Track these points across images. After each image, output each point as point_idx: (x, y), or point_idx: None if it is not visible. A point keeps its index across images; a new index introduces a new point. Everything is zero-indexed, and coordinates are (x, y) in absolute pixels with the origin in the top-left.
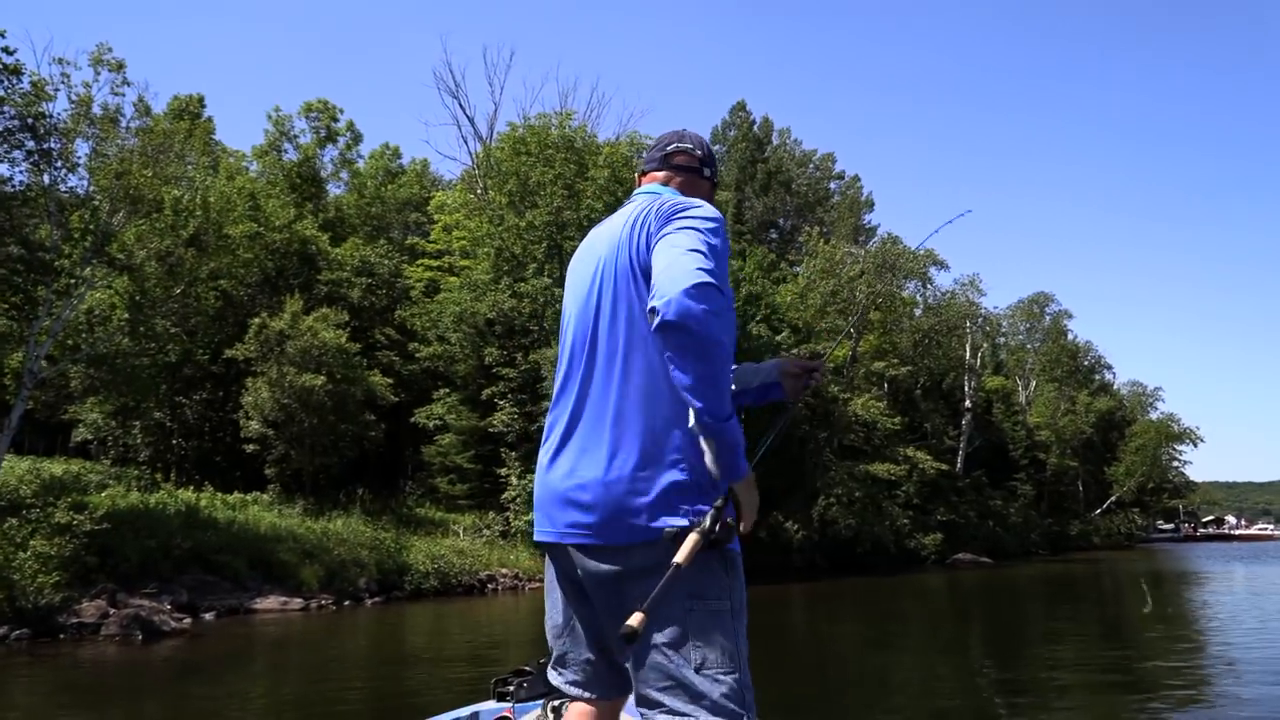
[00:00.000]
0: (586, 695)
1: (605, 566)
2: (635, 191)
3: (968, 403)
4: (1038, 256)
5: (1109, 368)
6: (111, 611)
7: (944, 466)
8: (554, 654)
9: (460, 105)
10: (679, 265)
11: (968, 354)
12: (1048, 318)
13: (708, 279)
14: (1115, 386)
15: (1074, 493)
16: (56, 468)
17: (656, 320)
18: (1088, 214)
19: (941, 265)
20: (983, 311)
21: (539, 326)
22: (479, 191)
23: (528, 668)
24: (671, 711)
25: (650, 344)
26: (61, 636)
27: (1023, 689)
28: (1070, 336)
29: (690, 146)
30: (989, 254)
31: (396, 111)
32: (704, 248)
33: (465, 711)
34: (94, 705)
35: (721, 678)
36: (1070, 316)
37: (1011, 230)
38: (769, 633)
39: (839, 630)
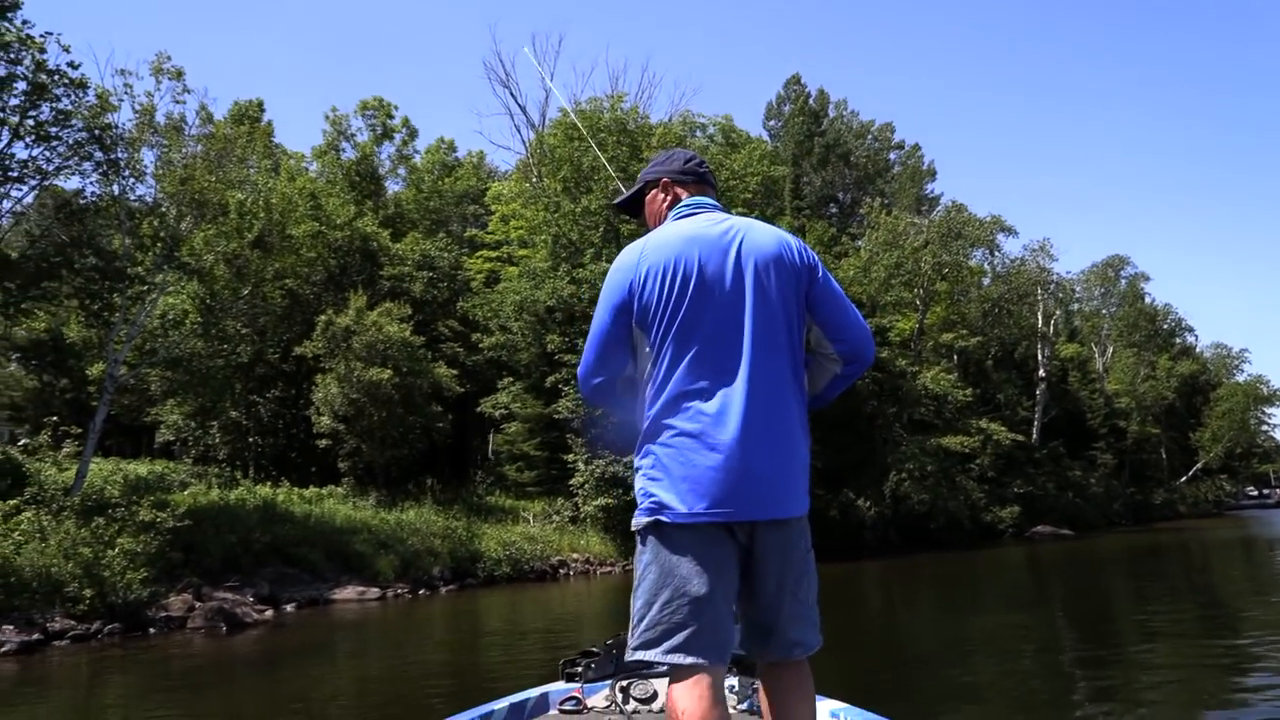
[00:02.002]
0: (710, 664)
1: (790, 536)
2: (694, 200)
3: (1042, 372)
4: (1112, 218)
5: (1190, 330)
6: (197, 605)
7: (1019, 438)
8: (690, 630)
9: (512, 94)
10: (861, 321)
11: (1040, 322)
12: (1124, 281)
13: None
14: (1198, 350)
15: (1157, 460)
16: (141, 468)
17: (853, 354)
18: (1164, 171)
19: (1010, 231)
20: (1054, 277)
21: None
22: (534, 180)
23: (595, 649)
24: (813, 645)
25: (790, 347)
26: (151, 630)
27: (1108, 663)
28: (1148, 300)
29: (703, 163)
30: (1060, 218)
31: (450, 105)
32: None
33: (535, 692)
34: (187, 695)
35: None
36: (1148, 279)
37: (1083, 192)
38: (844, 609)
39: (914, 606)
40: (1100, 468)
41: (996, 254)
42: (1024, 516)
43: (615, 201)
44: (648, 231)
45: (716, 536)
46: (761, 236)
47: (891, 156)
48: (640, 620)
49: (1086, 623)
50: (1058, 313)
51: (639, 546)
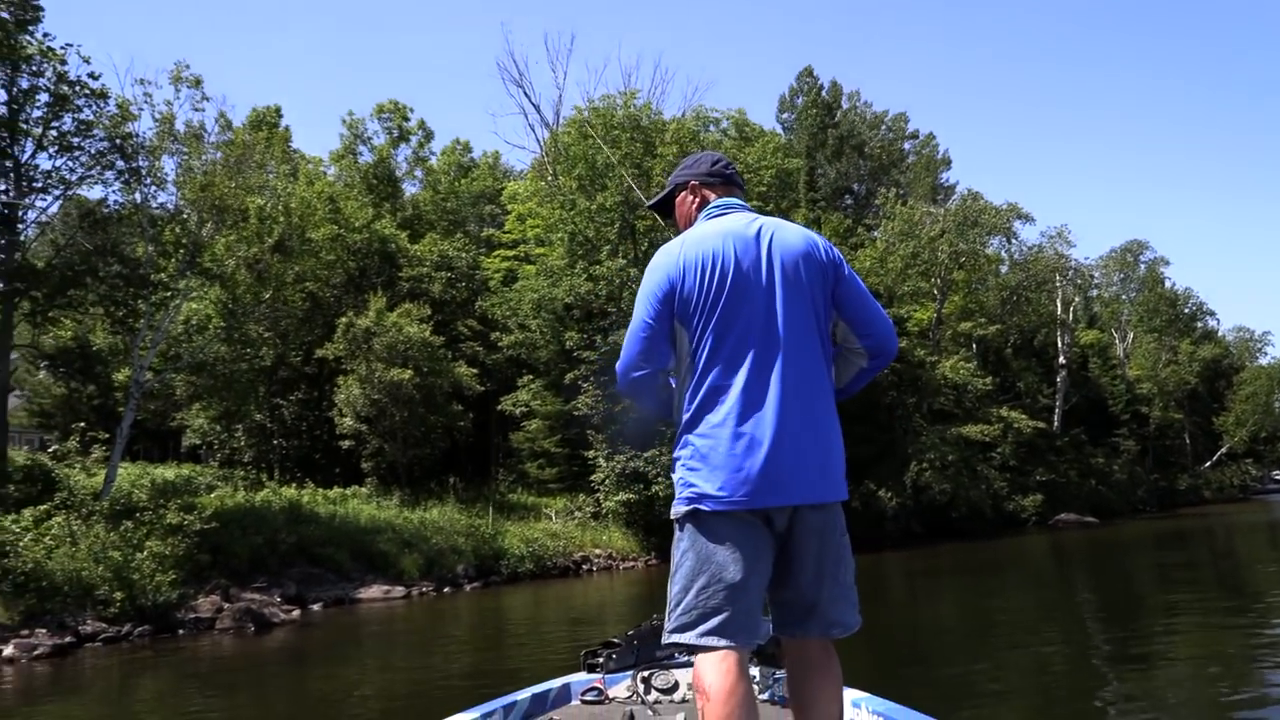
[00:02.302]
0: (738, 646)
1: (828, 520)
2: (724, 201)
3: (1062, 359)
4: (1130, 204)
5: (1212, 314)
6: (225, 606)
7: (1040, 425)
8: (725, 615)
9: (525, 94)
10: (885, 316)
11: (1059, 309)
12: (1142, 266)
13: None
14: (1220, 334)
15: (1181, 446)
16: (169, 472)
17: (879, 348)
18: (1179, 154)
19: (1026, 218)
20: (1073, 263)
21: (616, 308)
22: (549, 178)
23: (616, 640)
24: (852, 625)
25: (821, 341)
26: (180, 631)
27: (1133, 650)
28: (1168, 284)
29: (730, 164)
30: (1076, 203)
31: (465, 106)
32: None
33: (557, 683)
34: (219, 695)
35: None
36: (1167, 263)
37: (1099, 177)
38: (867, 600)
39: (937, 596)
40: (1123, 454)
41: (1014, 241)
42: (1047, 505)
43: (649, 204)
44: (678, 233)
45: (753, 523)
46: (790, 234)
47: (906, 146)
48: (677, 605)
49: (1111, 609)
50: (1077, 299)
51: (677, 534)
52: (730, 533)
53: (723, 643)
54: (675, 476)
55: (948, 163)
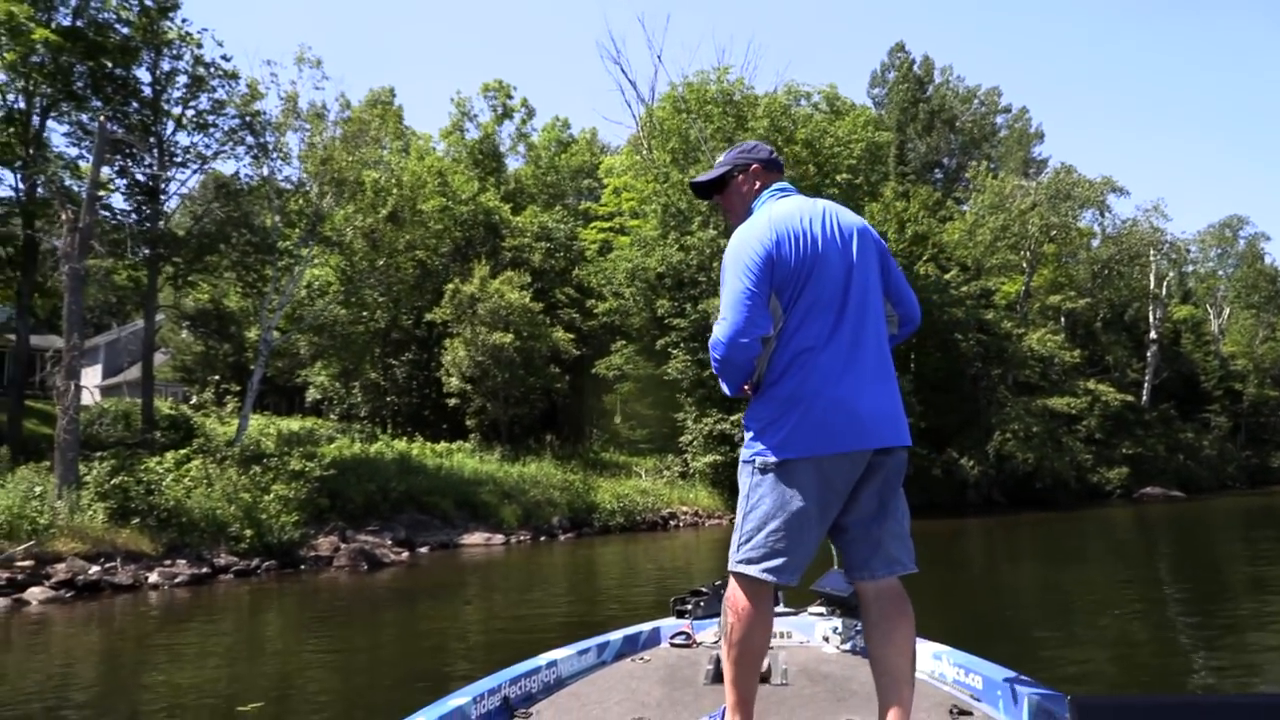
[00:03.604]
0: (794, 584)
1: (894, 464)
2: (782, 185)
3: (1153, 334)
4: (1228, 179)
5: None
6: (341, 546)
7: (1129, 399)
8: (791, 557)
9: (623, 71)
10: (913, 293)
11: (1152, 283)
12: (1241, 242)
13: None
14: None
15: (1275, 424)
16: (293, 424)
17: (908, 317)
18: None
19: (1121, 191)
20: (1168, 238)
21: (706, 277)
22: (644, 152)
23: (704, 589)
24: (909, 565)
25: (880, 307)
26: (302, 568)
27: (1213, 616)
28: (1268, 260)
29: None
30: (1173, 179)
31: (565, 84)
32: None
33: (648, 626)
34: (337, 624)
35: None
36: (1267, 239)
37: (1198, 153)
38: (948, 562)
39: (1018, 561)
40: (1214, 430)
41: (1107, 215)
42: (1132, 478)
43: (694, 180)
44: (723, 211)
45: (834, 470)
46: (849, 216)
47: (998, 120)
48: (748, 540)
49: (1197, 580)
50: (1171, 274)
51: (755, 477)
52: (810, 481)
53: (779, 579)
54: (756, 429)
55: (1040, 136)
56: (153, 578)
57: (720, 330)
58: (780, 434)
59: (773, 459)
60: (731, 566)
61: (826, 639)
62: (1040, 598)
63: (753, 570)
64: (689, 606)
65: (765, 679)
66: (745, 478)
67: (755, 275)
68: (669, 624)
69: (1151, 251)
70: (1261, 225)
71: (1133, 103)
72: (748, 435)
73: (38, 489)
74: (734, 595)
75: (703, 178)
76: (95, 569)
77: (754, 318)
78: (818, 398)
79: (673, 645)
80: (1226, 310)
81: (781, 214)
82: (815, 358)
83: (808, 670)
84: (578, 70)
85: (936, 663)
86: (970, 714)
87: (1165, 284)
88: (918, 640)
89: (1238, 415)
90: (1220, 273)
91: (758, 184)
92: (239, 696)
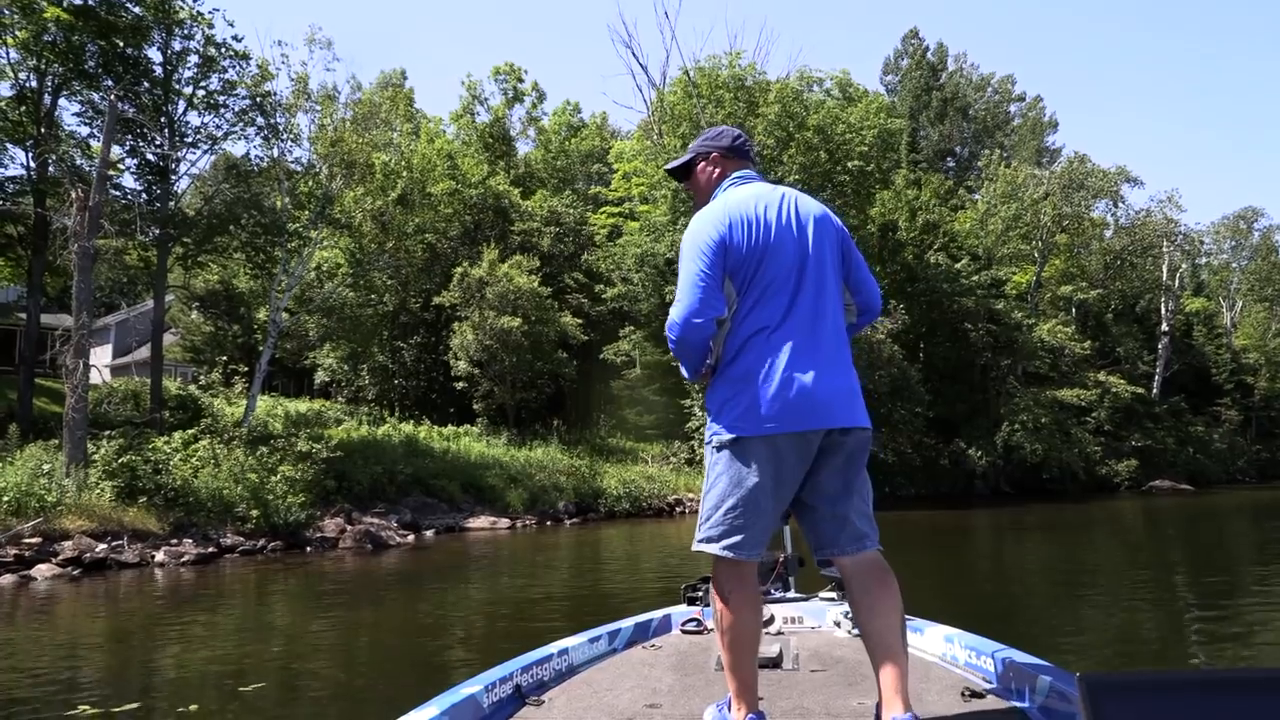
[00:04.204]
0: (755, 557)
1: (853, 444)
2: (744, 172)
3: (1165, 326)
4: (1243, 171)
5: None
6: (347, 528)
7: (1139, 391)
8: (745, 533)
9: (634, 55)
10: (875, 283)
11: (1165, 275)
12: (1256, 234)
13: None
14: None
15: None
16: (301, 406)
17: (866, 306)
18: None
19: (1135, 182)
20: (1182, 229)
21: None
22: (655, 137)
23: None
24: (875, 541)
25: (837, 292)
26: (308, 549)
27: (1218, 606)
28: None
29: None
30: (1188, 171)
31: (576, 68)
32: None
33: (659, 614)
34: (342, 604)
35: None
36: None
37: (1213, 145)
38: (957, 550)
39: (1025, 549)
40: (1224, 424)
41: (1120, 206)
42: (1141, 470)
43: (667, 166)
44: (691, 197)
45: (788, 448)
46: (808, 203)
47: (1012, 109)
48: (707, 519)
49: (1203, 568)
50: (1184, 266)
51: (713, 455)
52: (764, 459)
53: (737, 556)
54: (714, 409)
55: (1054, 125)
56: (159, 556)
57: (675, 312)
58: (735, 412)
59: (728, 437)
60: (694, 546)
61: (838, 624)
62: (1049, 584)
63: (713, 549)
64: (700, 593)
65: (777, 664)
66: (707, 458)
67: (709, 258)
68: (680, 611)
69: (1165, 243)
70: (1277, 218)
71: (1148, 92)
72: (708, 416)
73: (46, 467)
74: (715, 580)
75: (671, 164)
76: (102, 547)
77: (708, 299)
78: (770, 377)
79: (684, 632)
80: (1239, 303)
81: (736, 200)
82: (768, 338)
83: (819, 655)
84: (589, 54)
85: (949, 645)
86: (982, 696)
87: (1178, 276)
88: (929, 624)
89: (1249, 409)
90: (1234, 265)
91: (718, 171)
92: (242, 676)
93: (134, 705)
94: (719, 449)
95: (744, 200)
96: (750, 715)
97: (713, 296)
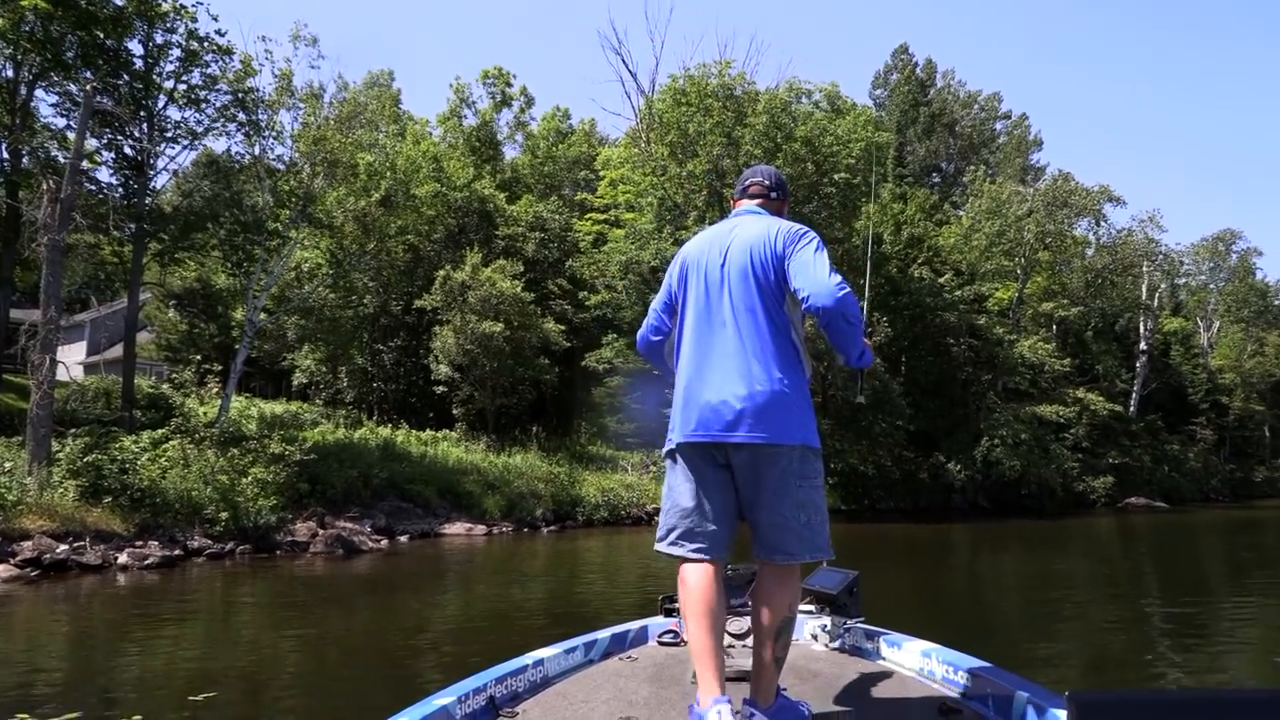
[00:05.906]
0: (708, 558)
1: (760, 458)
2: (738, 210)
3: (1143, 344)
4: (1223, 193)
5: None
6: (319, 532)
7: (1117, 409)
8: (678, 530)
9: (624, 61)
10: (823, 271)
11: (1144, 294)
12: (1234, 256)
13: (839, 276)
14: None
15: (1260, 438)
16: (278, 407)
17: (813, 308)
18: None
19: (1117, 201)
20: (1162, 249)
21: None
22: (642, 145)
23: None
24: (796, 555)
25: (766, 310)
26: (278, 552)
27: (1191, 621)
28: (1259, 275)
29: (760, 179)
30: (1169, 193)
31: (565, 73)
32: (825, 254)
33: (635, 625)
34: (310, 610)
35: (819, 528)
36: (1260, 254)
37: (1194, 166)
38: (933, 566)
39: (1001, 565)
40: (1199, 443)
41: (1103, 224)
42: (1117, 487)
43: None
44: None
45: (703, 457)
46: (752, 228)
47: (998, 126)
48: (660, 522)
49: (1176, 583)
50: (1163, 286)
51: (665, 464)
52: (685, 465)
53: (679, 551)
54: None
55: (1039, 144)
56: (122, 558)
57: (643, 328)
58: (671, 427)
59: (667, 448)
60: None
61: (815, 637)
62: (1026, 600)
63: (660, 546)
64: (677, 605)
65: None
66: None
67: (666, 283)
68: (656, 622)
69: (1145, 262)
70: (1254, 240)
71: (1132, 114)
72: None
73: (8, 464)
74: (679, 578)
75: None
76: (63, 548)
77: (653, 320)
78: (685, 393)
79: (660, 644)
80: (1216, 324)
81: (694, 238)
82: (687, 358)
83: (795, 668)
84: (578, 60)
85: (926, 660)
86: (959, 711)
87: (1157, 295)
88: (907, 638)
89: (1223, 429)
90: (1212, 286)
91: (733, 207)
92: (197, 685)
93: (74, 715)
94: (664, 459)
95: (699, 237)
96: (716, 698)
97: (655, 317)
